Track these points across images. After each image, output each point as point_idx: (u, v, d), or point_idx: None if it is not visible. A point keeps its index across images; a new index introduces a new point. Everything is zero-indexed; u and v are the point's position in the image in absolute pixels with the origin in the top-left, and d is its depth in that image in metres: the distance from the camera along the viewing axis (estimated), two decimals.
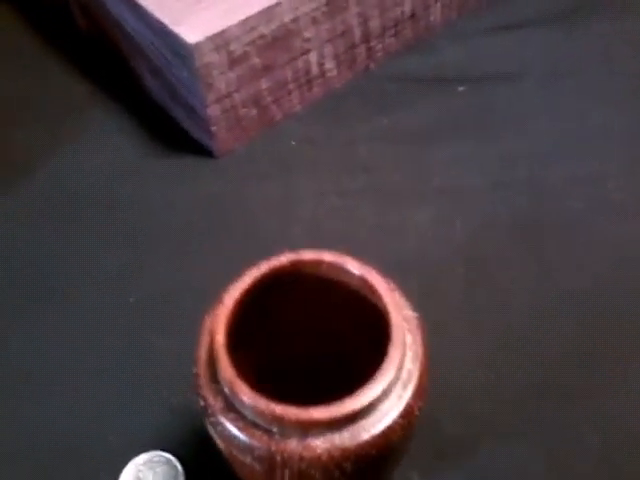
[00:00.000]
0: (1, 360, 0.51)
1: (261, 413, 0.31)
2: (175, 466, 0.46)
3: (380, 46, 0.67)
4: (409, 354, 0.33)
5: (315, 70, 0.64)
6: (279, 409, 0.31)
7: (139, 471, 0.46)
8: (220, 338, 0.33)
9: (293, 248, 0.55)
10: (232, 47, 0.57)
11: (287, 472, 0.32)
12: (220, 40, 0.56)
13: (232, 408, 0.33)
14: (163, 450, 0.47)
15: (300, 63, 0.62)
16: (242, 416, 0.32)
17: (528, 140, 0.61)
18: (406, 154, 0.61)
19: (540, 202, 0.57)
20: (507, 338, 0.50)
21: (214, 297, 0.52)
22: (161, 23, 0.56)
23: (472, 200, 0.58)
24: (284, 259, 0.35)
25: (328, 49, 0.63)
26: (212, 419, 0.33)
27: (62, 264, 0.56)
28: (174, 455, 0.46)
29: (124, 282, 0.54)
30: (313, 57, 0.63)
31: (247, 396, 0.31)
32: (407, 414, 0.33)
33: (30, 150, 0.63)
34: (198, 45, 0.54)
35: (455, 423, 0.46)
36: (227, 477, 0.40)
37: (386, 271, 0.53)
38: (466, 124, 0.63)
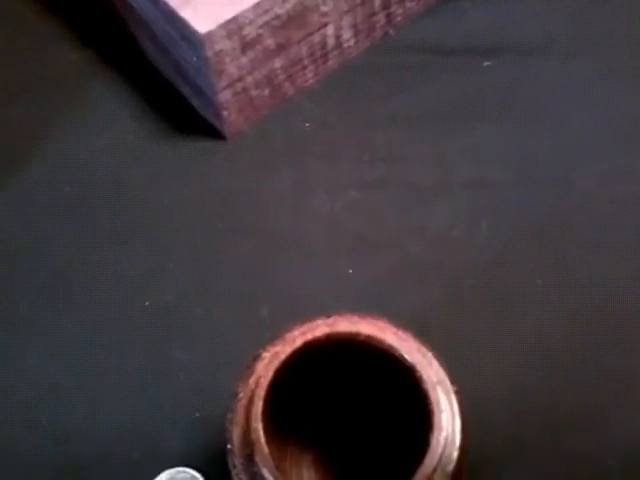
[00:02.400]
0: (19, 373, 0.50)
1: None
2: None
3: (401, 10, 0.62)
4: (449, 439, 0.33)
5: (331, 42, 0.59)
6: None
7: None
8: (258, 426, 0.32)
9: (312, 246, 0.54)
10: (245, 32, 0.52)
11: None
12: (233, 26, 0.51)
13: None
14: (187, 466, 0.47)
15: (316, 38, 0.58)
16: None
17: (555, 131, 0.58)
18: (427, 142, 0.58)
19: (567, 203, 0.55)
20: (528, 353, 0.50)
21: (233, 304, 0.51)
22: (169, 7, 0.51)
23: (496, 197, 0.55)
24: (319, 333, 0.34)
25: (346, 20, 0.59)
26: None
27: (71, 264, 0.54)
28: (199, 471, 0.47)
29: (138, 284, 0.53)
30: (330, 30, 0.58)
31: None
32: None
33: (29, 132, 0.59)
34: (210, 34, 0.50)
35: (473, 444, 0.47)
36: None
37: (406, 275, 0.53)
38: (491, 106, 0.59)
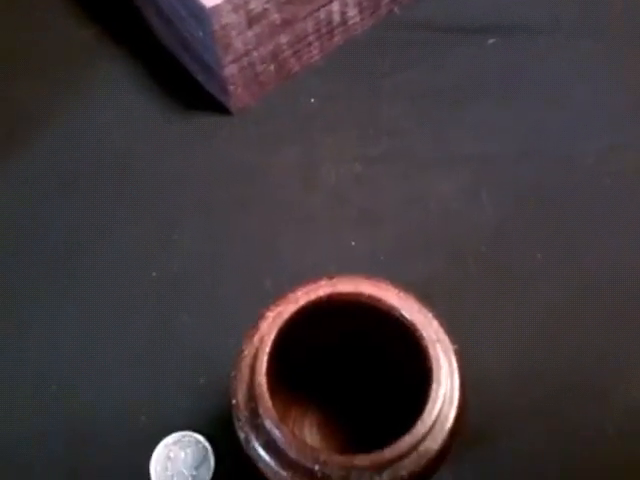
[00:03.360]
0: (26, 341, 0.51)
1: (305, 457, 0.32)
2: (205, 446, 0.48)
3: None
4: (447, 395, 0.34)
5: (337, 19, 0.60)
6: (323, 457, 0.32)
7: (170, 451, 0.48)
8: (263, 381, 0.33)
9: (316, 218, 0.55)
10: (251, 6, 0.53)
11: None
12: (239, 0, 0.52)
13: (274, 445, 0.34)
14: (193, 430, 0.48)
15: (322, 14, 0.58)
16: (284, 454, 0.33)
17: (559, 107, 0.58)
18: (432, 117, 0.59)
19: (570, 176, 0.55)
20: (528, 325, 0.50)
21: (237, 275, 0.52)
22: None
23: (499, 170, 0.56)
24: (322, 292, 0.35)
25: None
26: (253, 453, 0.34)
27: (78, 237, 0.54)
28: (204, 435, 0.48)
29: (145, 256, 0.54)
30: (335, 6, 0.59)
31: (292, 442, 0.32)
32: (443, 452, 0.34)
33: (34, 108, 0.59)
34: (216, 8, 0.51)
35: (473, 410, 0.47)
36: None
37: (409, 247, 0.54)
38: (495, 84, 0.60)
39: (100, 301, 0.52)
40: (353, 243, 0.54)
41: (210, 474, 0.47)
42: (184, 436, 0.48)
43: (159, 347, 0.50)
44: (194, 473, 0.47)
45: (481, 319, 0.51)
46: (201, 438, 0.48)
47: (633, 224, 0.54)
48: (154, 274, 0.53)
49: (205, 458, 0.47)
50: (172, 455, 0.48)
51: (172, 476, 0.47)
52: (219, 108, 0.59)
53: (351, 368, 0.43)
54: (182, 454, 0.48)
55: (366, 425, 0.43)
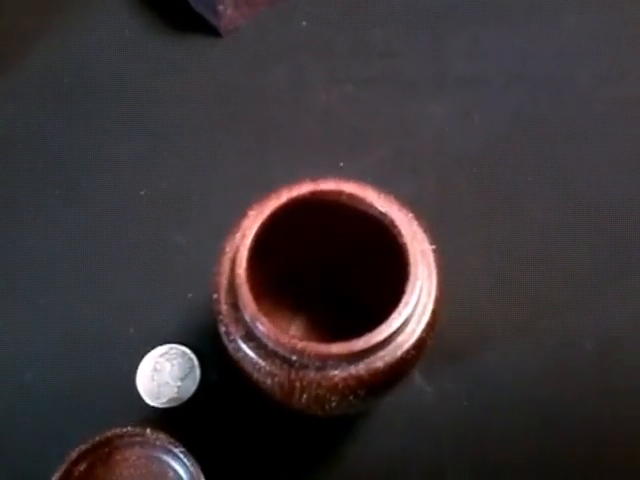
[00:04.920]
0: (17, 258, 0.51)
1: (283, 346, 0.33)
2: (191, 359, 0.48)
3: None
4: (425, 289, 0.34)
5: None
6: (301, 345, 0.32)
7: (156, 362, 0.48)
8: (242, 273, 0.33)
9: (306, 139, 0.54)
10: None
11: (305, 396, 0.34)
12: None
13: (253, 337, 0.34)
14: (180, 343, 0.49)
15: None
16: (263, 345, 0.34)
17: (557, 31, 0.58)
18: (425, 38, 0.58)
19: (564, 100, 0.55)
20: (515, 246, 0.50)
21: (227, 194, 0.52)
22: None
23: (492, 94, 0.56)
24: (304, 189, 0.35)
25: None
26: (233, 345, 0.35)
27: (69, 153, 0.54)
28: (190, 348, 0.48)
29: (134, 174, 0.54)
30: None
31: (270, 331, 0.32)
32: (419, 345, 0.34)
33: (24, 26, 0.59)
34: None
35: (457, 327, 0.48)
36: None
37: (398, 167, 0.53)
38: (490, 7, 0.59)
39: (90, 219, 0.52)
40: (341, 164, 0.54)
41: (195, 385, 0.47)
42: (171, 348, 0.49)
43: (148, 262, 0.51)
44: (179, 384, 0.47)
45: (470, 241, 0.51)
46: (188, 351, 0.48)
47: (625, 150, 0.54)
48: (142, 192, 0.53)
49: (191, 370, 0.48)
50: (159, 367, 0.48)
51: (158, 386, 0.48)
52: (209, 29, 0.59)
53: (331, 280, 0.43)
54: (168, 366, 0.48)
55: (349, 329, 0.43)
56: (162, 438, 0.42)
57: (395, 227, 0.34)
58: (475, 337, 0.48)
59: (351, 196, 0.35)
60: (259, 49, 0.58)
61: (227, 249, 0.36)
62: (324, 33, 0.59)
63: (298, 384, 0.33)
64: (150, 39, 0.59)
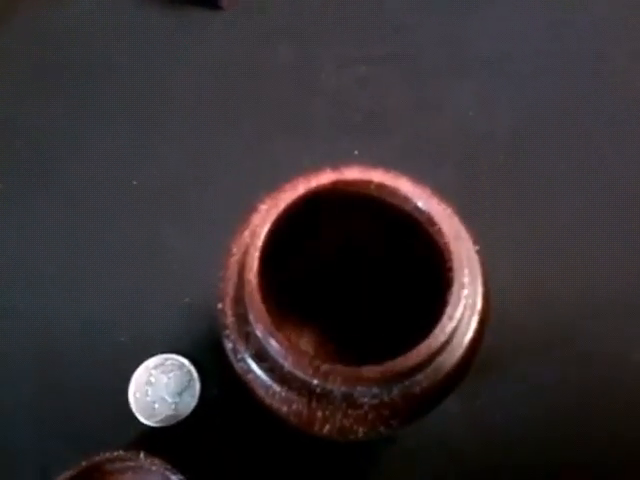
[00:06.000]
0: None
1: (302, 369, 0.27)
2: (189, 371, 0.43)
3: None
4: (470, 301, 0.29)
5: None
6: (325, 368, 0.27)
7: (151, 375, 0.43)
8: (253, 279, 0.28)
9: (316, 125, 0.49)
10: None
11: (327, 427, 0.29)
12: None
13: (266, 356, 0.29)
14: (177, 353, 0.44)
15: None
16: (278, 366, 0.28)
17: (588, 6, 0.52)
18: (443, 14, 0.52)
19: (596, 82, 0.50)
20: (550, 243, 0.46)
21: (226, 185, 0.47)
22: None
23: (519, 75, 0.51)
24: (325, 179, 0.29)
25: None
26: (242, 365, 0.29)
27: (51, 140, 0.50)
28: (188, 359, 0.44)
29: (126, 162, 0.49)
30: None
31: (287, 350, 0.27)
32: (462, 366, 0.29)
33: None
34: None
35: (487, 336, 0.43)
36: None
37: (419, 155, 0.48)
38: None
39: (75, 212, 0.48)
40: (356, 152, 0.49)
41: (195, 401, 0.43)
42: (167, 359, 0.44)
43: (141, 261, 0.46)
44: (177, 400, 0.43)
45: (498, 237, 0.46)
46: (186, 362, 0.44)
47: None
48: (135, 182, 0.48)
49: (189, 384, 0.43)
50: (153, 380, 0.43)
51: (153, 402, 0.43)
52: (208, 1, 0.53)
53: (351, 283, 0.38)
54: (164, 379, 0.43)
55: (369, 346, 0.38)
56: (158, 463, 0.38)
57: (434, 225, 0.29)
58: (508, 347, 0.43)
59: (381, 186, 0.30)
60: (262, 24, 0.53)
61: (234, 250, 0.30)
62: (333, 8, 0.53)
63: (320, 413, 0.28)
64: (141, 12, 0.53)
